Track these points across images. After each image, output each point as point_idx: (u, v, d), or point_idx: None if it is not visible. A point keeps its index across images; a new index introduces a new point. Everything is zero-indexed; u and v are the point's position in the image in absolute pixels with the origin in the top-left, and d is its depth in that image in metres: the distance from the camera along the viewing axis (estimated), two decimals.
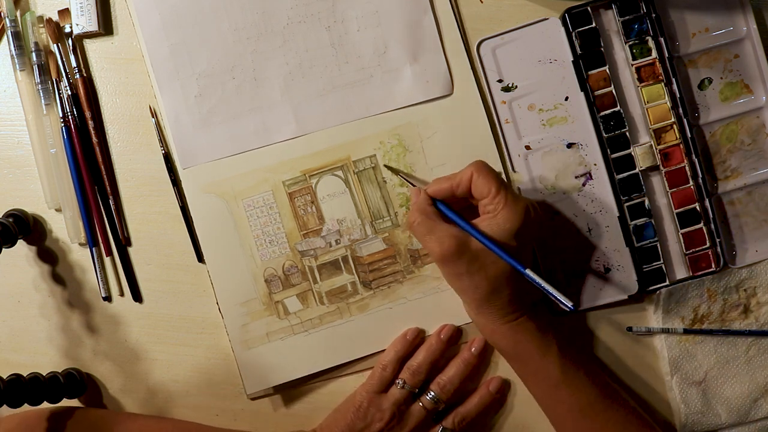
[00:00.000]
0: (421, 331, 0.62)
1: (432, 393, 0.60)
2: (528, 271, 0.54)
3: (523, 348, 0.57)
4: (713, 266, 0.62)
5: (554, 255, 0.62)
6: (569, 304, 0.53)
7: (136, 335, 0.63)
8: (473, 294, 0.56)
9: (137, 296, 0.63)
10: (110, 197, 0.62)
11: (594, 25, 0.61)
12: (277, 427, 0.63)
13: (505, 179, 0.62)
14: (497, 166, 0.62)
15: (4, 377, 0.56)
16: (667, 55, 0.61)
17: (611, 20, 0.62)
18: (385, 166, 0.62)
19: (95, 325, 0.63)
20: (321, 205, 0.62)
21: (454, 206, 0.58)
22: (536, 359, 0.57)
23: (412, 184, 0.61)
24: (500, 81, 0.62)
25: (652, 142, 0.61)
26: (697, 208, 0.61)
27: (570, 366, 0.57)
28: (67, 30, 0.62)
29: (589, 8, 0.61)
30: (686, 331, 0.62)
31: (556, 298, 0.54)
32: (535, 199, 0.62)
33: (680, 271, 0.63)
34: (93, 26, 0.61)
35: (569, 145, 0.62)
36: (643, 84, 0.61)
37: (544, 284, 0.54)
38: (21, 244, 0.63)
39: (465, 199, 0.58)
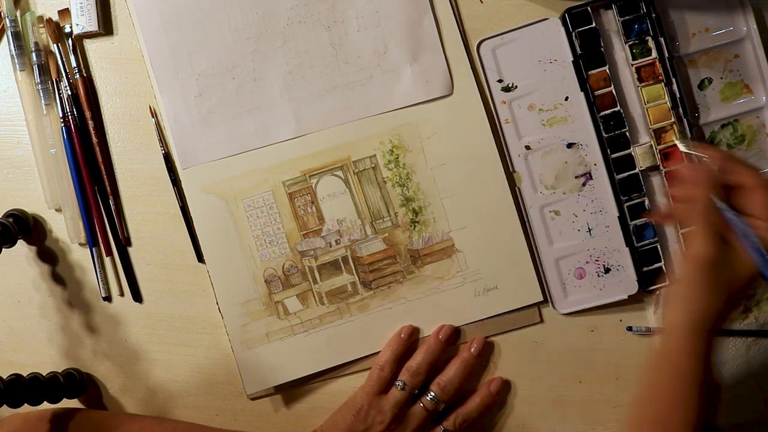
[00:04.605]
0: (415, 329, 0.62)
1: (432, 393, 0.60)
2: None
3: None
4: None
5: (554, 255, 0.62)
6: None
7: (136, 335, 0.63)
8: (699, 312, 0.49)
9: (137, 296, 0.63)
10: (110, 197, 0.62)
11: (594, 25, 0.61)
12: (277, 428, 0.63)
13: (506, 179, 0.62)
14: (497, 166, 0.62)
15: (4, 377, 0.56)
16: (667, 55, 0.61)
17: (611, 20, 0.62)
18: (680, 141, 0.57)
19: (95, 325, 0.63)
20: (321, 205, 0.62)
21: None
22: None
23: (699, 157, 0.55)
24: (500, 81, 0.62)
25: (652, 142, 0.61)
26: None
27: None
28: (67, 30, 0.62)
29: (589, 8, 0.61)
30: None
31: None
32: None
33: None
34: (93, 26, 0.61)
35: (569, 145, 0.62)
36: (643, 84, 0.61)
37: None
38: (21, 244, 0.63)
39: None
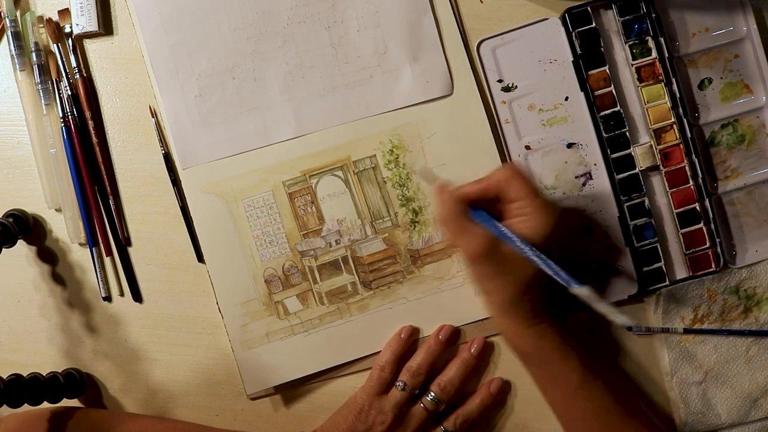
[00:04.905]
0: (415, 330, 0.62)
1: (432, 394, 0.60)
2: (583, 288, 0.51)
3: (545, 352, 0.56)
4: (713, 266, 0.62)
5: (554, 255, 0.62)
6: (628, 323, 0.50)
7: (136, 335, 0.63)
8: (500, 296, 0.55)
9: (137, 296, 0.63)
10: (110, 197, 0.62)
11: (594, 25, 0.61)
12: (277, 428, 0.63)
13: None
14: (497, 166, 0.62)
15: (4, 377, 0.56)
16: (667, 55, 0.61)
17: (611, 20, 0.62)
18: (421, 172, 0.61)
19: (95, 325, 0.63)
20: (321, 206, 0.62)
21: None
22: (556, 364, 0.56)
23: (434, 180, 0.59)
24: (500, 81, 0.62)
25: (652, 142, 0.62)
26: (697, 208, 0.61)
27: (589, 373, 0.56)
28: (67, 30, 0.62)
29: (589, 8, 0.61)
30: (686, 331, 0.62)
31: (611, 317, 0.50)
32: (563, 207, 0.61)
33: (680, 271, 0.63)
34: (93, 26, 0.61)
35: (569, 145, 0.62)
36: (643, 84, 0.61)
37: (599, 304, 0.51)
38: (21, 244, 0.63)
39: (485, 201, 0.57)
